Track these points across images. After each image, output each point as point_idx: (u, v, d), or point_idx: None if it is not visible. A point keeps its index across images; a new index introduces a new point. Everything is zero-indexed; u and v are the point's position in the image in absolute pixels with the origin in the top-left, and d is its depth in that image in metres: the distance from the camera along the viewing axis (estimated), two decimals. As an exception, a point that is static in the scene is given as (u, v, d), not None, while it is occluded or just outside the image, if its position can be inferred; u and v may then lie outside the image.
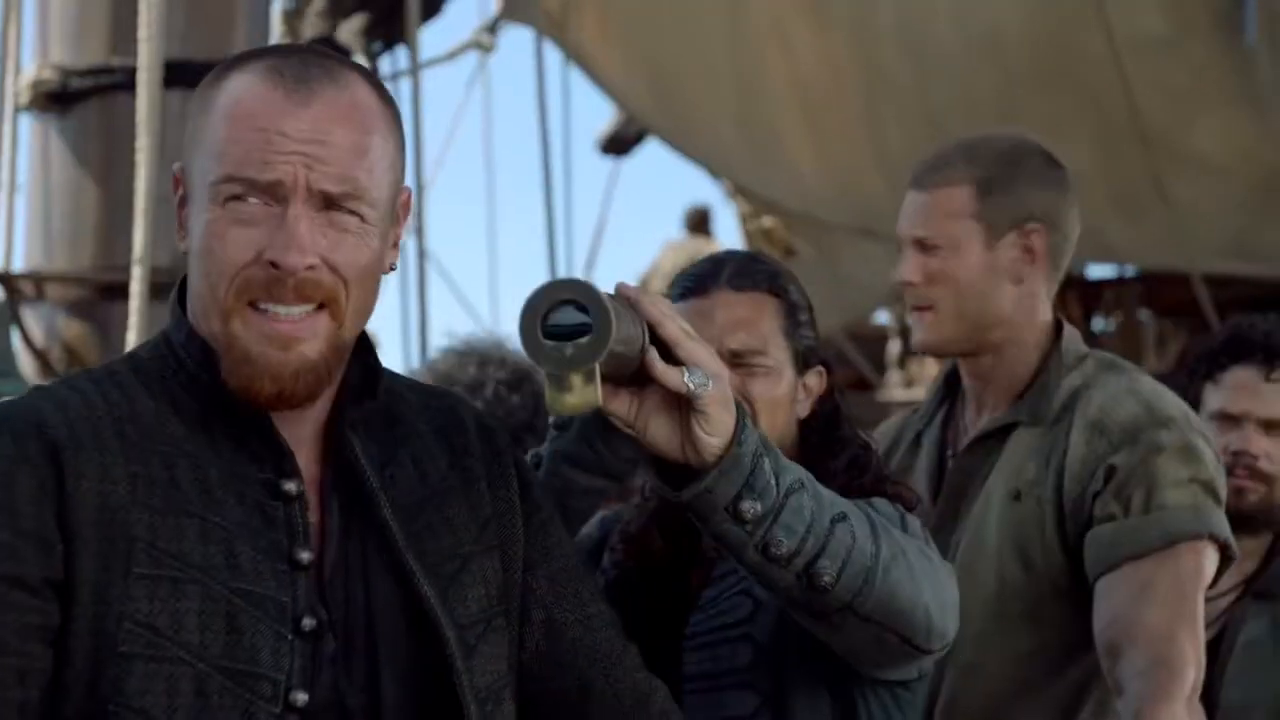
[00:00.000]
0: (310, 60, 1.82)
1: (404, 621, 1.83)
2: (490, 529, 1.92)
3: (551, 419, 2.38)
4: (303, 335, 1.78)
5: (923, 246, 2.81)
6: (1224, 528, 2.73)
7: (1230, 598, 3.25)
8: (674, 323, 1.85)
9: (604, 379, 1.80)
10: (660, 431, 1.87)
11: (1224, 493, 2.77)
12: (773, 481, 1.92)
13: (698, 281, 2.38)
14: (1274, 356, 3.28)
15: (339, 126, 1.79)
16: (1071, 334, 2.88)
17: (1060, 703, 2.79)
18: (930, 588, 2.10)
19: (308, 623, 1.78)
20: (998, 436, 2.83)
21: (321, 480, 1.85)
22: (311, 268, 1.77)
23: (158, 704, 1.72)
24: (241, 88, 1.80)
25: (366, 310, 1.84)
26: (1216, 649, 3.18)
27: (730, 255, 2.48)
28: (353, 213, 1.79)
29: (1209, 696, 2.96)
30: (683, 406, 1.86)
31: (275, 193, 1.77)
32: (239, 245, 1.78)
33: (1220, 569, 2.76)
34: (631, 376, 1.85)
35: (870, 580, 2.01)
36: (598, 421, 2.29)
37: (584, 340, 1.77)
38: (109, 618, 1.72)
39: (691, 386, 1.84)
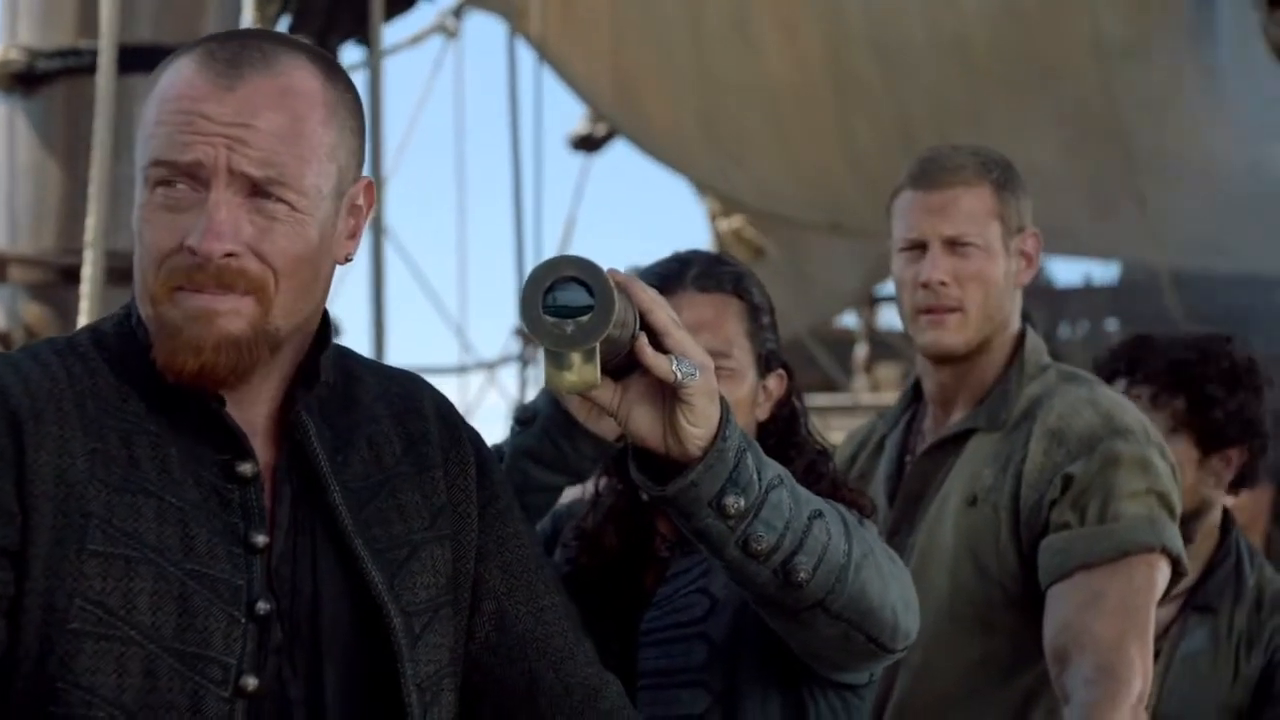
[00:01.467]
0: (250, 44, 1.79)
1: (350, 608, 1.81)
2: (444, 517, 1.90)
3: (515, 414, 2.36)
4: (222, 309, 1.75)
5: (953, 246, 2.79)
6: (1177, 541, 2.75)
7: (1170, 610, 3.24)
8: (664, 311, 1.84)
9: None
10: (643, 421, 1.85)
11: (1179, 506, 2.78)
12: (755, 477, 1.91)
13: (662, 281, 2.37)
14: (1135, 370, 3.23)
15: (267, 110, 1.76)
16: (1035, 343, 2.89)
17: (1009, 709, 2.80)
18: (896, 588, 2.10)
19: (262, 606, 1.77)
20: (955, 441, 2.84)
21: (274, 465, 1.83)
22: (232, 255, 1.74)
23: (106, 683, 1.70)
24: (175, 73, 1.78)
25: (306, 300, 1.81)
26: (1155, 661, 3.18)
27: (695, 255, 2.47)
28: (281, 200, 1.76)
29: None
30: (666, 397, 1.84)
31: (197, 175, 1.75)
32: (164, 231, 1.76)
33: (1171, 583, 2.77)
34: (615, 365, 1.84)
35: (843, 578, 2.01)
36: (561, 418, 2.30)
37: (585, 319, 1.75)
38: (60, 593, 1.71)
39: (679, 375, 1.82)
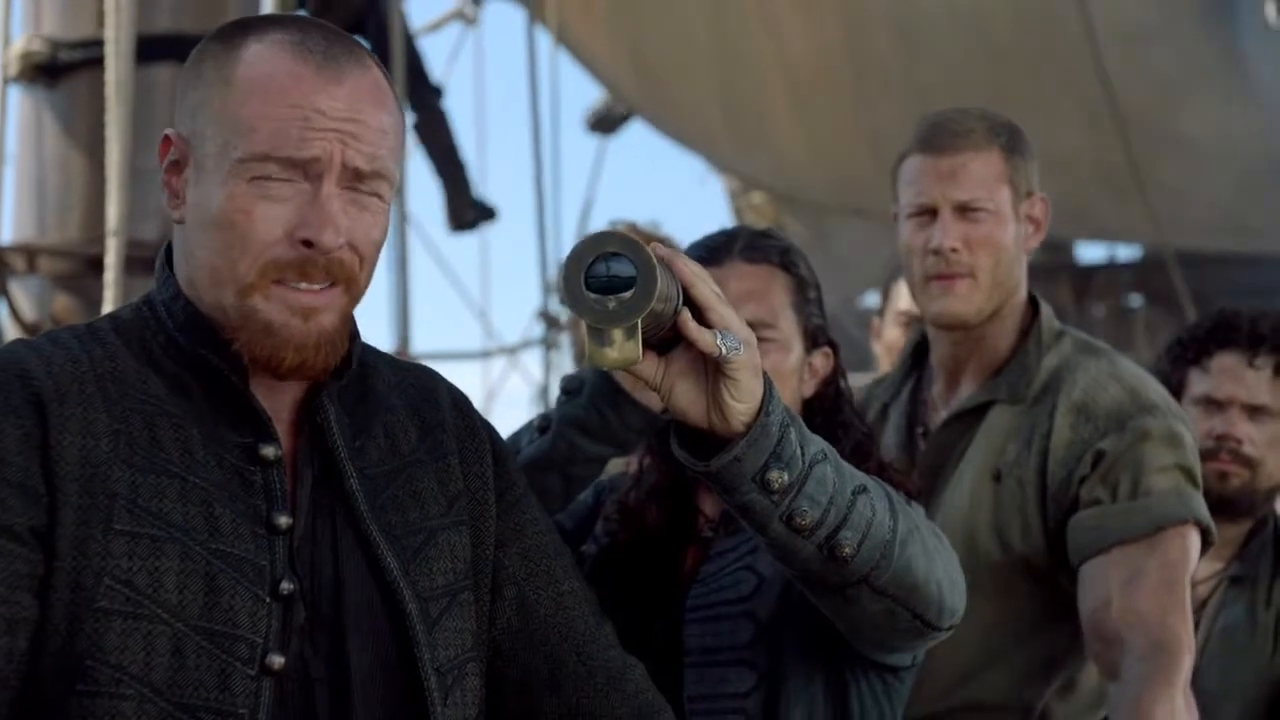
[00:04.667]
0: (331, 37, 1.82)
1: (370, 593, 1.83)
2: (460, 504, 1.92)
3: (562, 383, 2.37)
4: (323, 305, 1.79)
5: (964, 211, 2.76)
6: (1205, 512, 2.75)
7: (1209, 585, 3.27)
8: (707, 285, 1.83)
9: None
10: (686, 396, 1.85)
11: (1200, 478, 2.79)
12: (798, 451, 1.90)
13: (710, 252, 2.38)
14: (1258, 343, 3.30)
15: (369, 105, 1.79)
16: (1047, 310, 2.88)
17: (1029, 672, 2.81)
18: (941, 564, 2.10)
19: (286, 586, 1.79)
20: (974, 414, 2.83)
21: (295, 450, 1.85)
22: (341, 247, 1.78)
23: (135, 661, 1.73)
24: (267, 61, 1.79)
25: (369, 284, 1.85)
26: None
27: (743, 229, 2.48)
28: (373, 193, 1.81)
29: None
30: (709, 372, 1.84)
31: (309, 170, 1.77)
32: (267, 222, 1.77)
33: (1200, 552, 2.78)
34: (659, 340, 1.83)
35: (888, 554, 2.00)
36: (608, 389, 2.29)
37: (627, 295, 1.73)
38: (87, 572, 1.73)
39: (723, 350, 1.81)
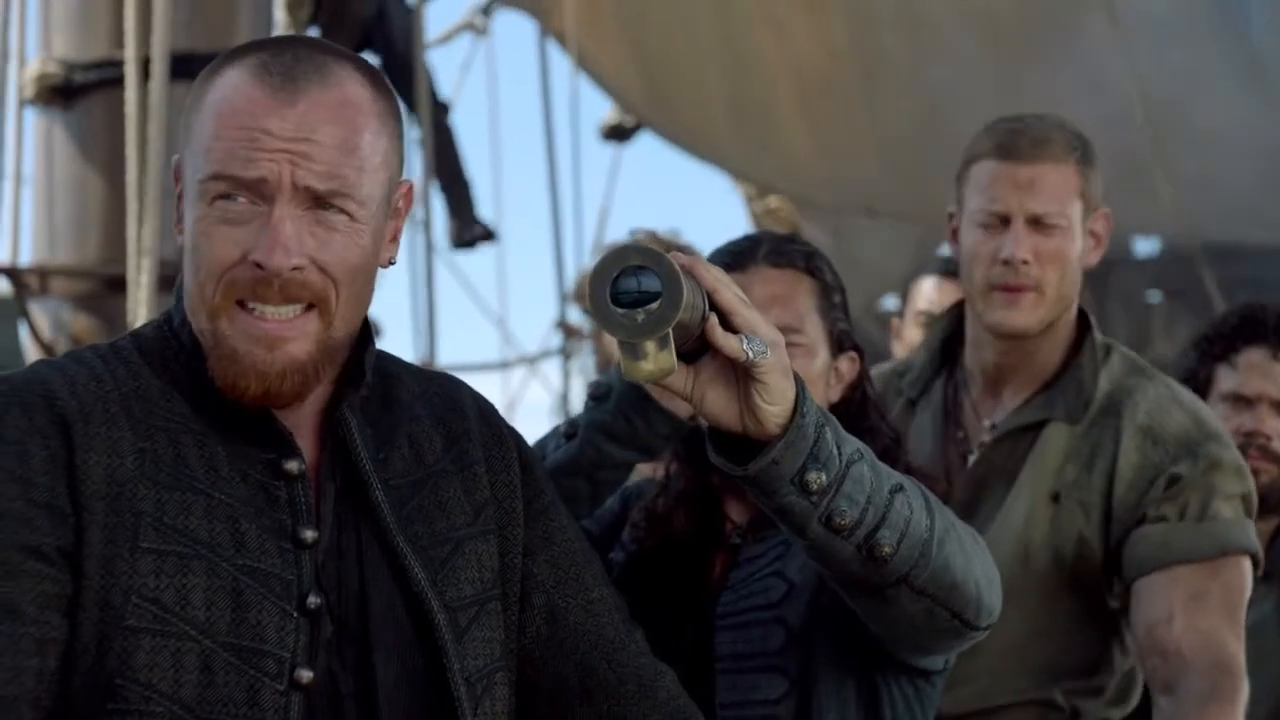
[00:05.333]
0: (302, 55, 1.81)
1: (397, 605, 1.84)
2: (487, 512, 1.92)
3: (589, 389, 2.37)
4: (290, 335, 1.78)
5: (1038, 224, 2.73)
6: (1259, 544, 2.79)
7: None
8: (731, 290, 1.83)
9: None
10: (717, 403, 1.85)
11: (1255, 509, 2.82)
12: (835, 451, 1.89)
13: (735, 257, 2.38)
14: None
15: (326, 124, 1.78)
16: (1094, 323, 2.86)
17: (1052, 674, 2.81)
18: (979, 563, 2.09)
19: (313, 600, 1.79)
20: (1027, 430, 2.80)
21: (318, 464, 1.85)
22: (297, 269, 1.77)
23: (164, 679, 1.73)
24: (230, 84, 1.80)
25: (360, 307, 1.84)
26: None
27: (768, 234, 2.49)
28: (341, 211, 1.79)
29: None
30: (739, 377, 1.84)
31: (260, 191, 1.77)
32: (225, 244, 1.78)
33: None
34: (686, 349, 1.83)
35: (926, 553, 1.99)
36: (635, 395, 2.29)
37: (654, 306, 1.73)
38: (115, 591, 1.74)
39: (751, 354, 1.81)
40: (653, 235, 4.66)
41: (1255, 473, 3.23)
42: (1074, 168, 2.76)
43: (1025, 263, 2.72)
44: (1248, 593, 2.76)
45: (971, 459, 2.84)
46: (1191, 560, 2.69)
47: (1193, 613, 2.67)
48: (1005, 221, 2.75)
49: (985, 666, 2.74)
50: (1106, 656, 2.83)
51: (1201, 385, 3.32)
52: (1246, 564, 2.76)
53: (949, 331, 2.93)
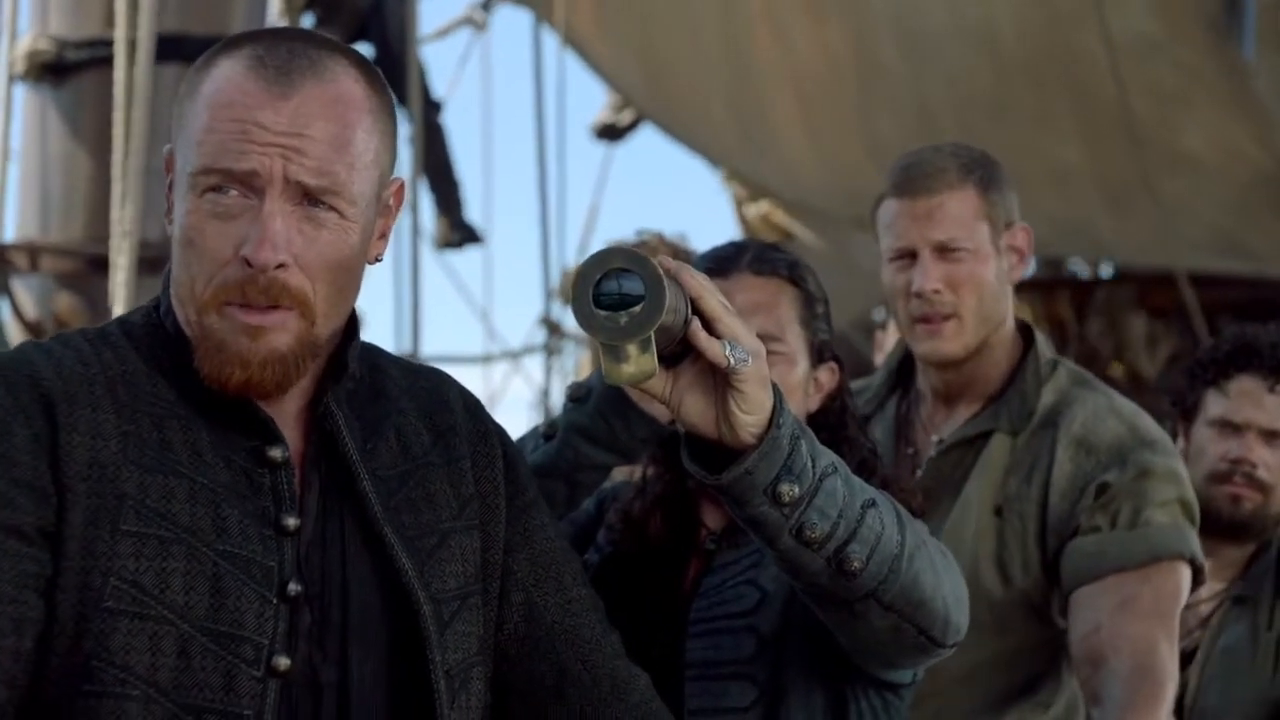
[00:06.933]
0: (297, 49, 1.80)
1: (379, 595, 1.84)
2: (471, 507, 1.92)
3: (568, 391, 2.37)
4: (271, 325, 1.78)
5: (944, 252, 2.78)
6: (1199, 550, 2.78)
7: (1211, 605, 3.28)
8: (715, 297, 1.83)
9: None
10: (695, 408, 1.84)
11: (1197, 515, 2.82)
12: (809, 464, 1.89)
13: (719, 263, 2.38)
14: (1279, 367, 3.30)
15: (319, 119, 1.78)
16: (1042, 339, 2.90)
17: (1002, 695, 2.82)
18: (948, 582, 2.09)
19: (293, 588, 1.79)
20: (972, 443, 2.84)
21: (303, 455, 1.85)
22: (282, 266, 1.77)
23: (141, 661, 1.73)
24: (224, 76, 1.79)
25: (344, 303, 1.84)
26: (1193, 655, 3.22)
27: (752, 241, 2.49)
28: (331, 208, 1.79)
29: (1179, 702, 3.01)
30: (718, 385, 1.84)
31: (251, 184, 1.77)
32: (218, 240, 1.78)
33: (1190, 590, 2.80)
34: (667, 353, 1.83)
35: (896, 568, 1.99)
36: (614, 398, 2.29)
37: (637, 309, 1.74)
38: (95, 572, 1.73)
39: (732, 360, 1.81)
40: (659, 238, 4.65)
41: (1239, 500, 3.24)
42: (973, 191, 2.80)
43: (936, 292, 2.77)
44: (1182, 599, 2.76)
45: (919, 473, 2.86)
46: (1124, 568, 2.71)
47: (1121, 619, 2.67)
48: (913, 255, 2.80)
49: (937, 687, 2.76)
50: (1055, 676, 2.84)
51: (1189, 409, 3.33)
52: (1182, 569, 2.75)
53: (906, 351, 2.97)
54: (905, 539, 2.00)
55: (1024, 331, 2.89)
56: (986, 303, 2.80)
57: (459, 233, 8.06)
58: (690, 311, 1.82)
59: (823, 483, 1.91)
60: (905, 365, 2.97)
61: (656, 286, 1.74)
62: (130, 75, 4.97)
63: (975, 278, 2.79)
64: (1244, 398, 3.29)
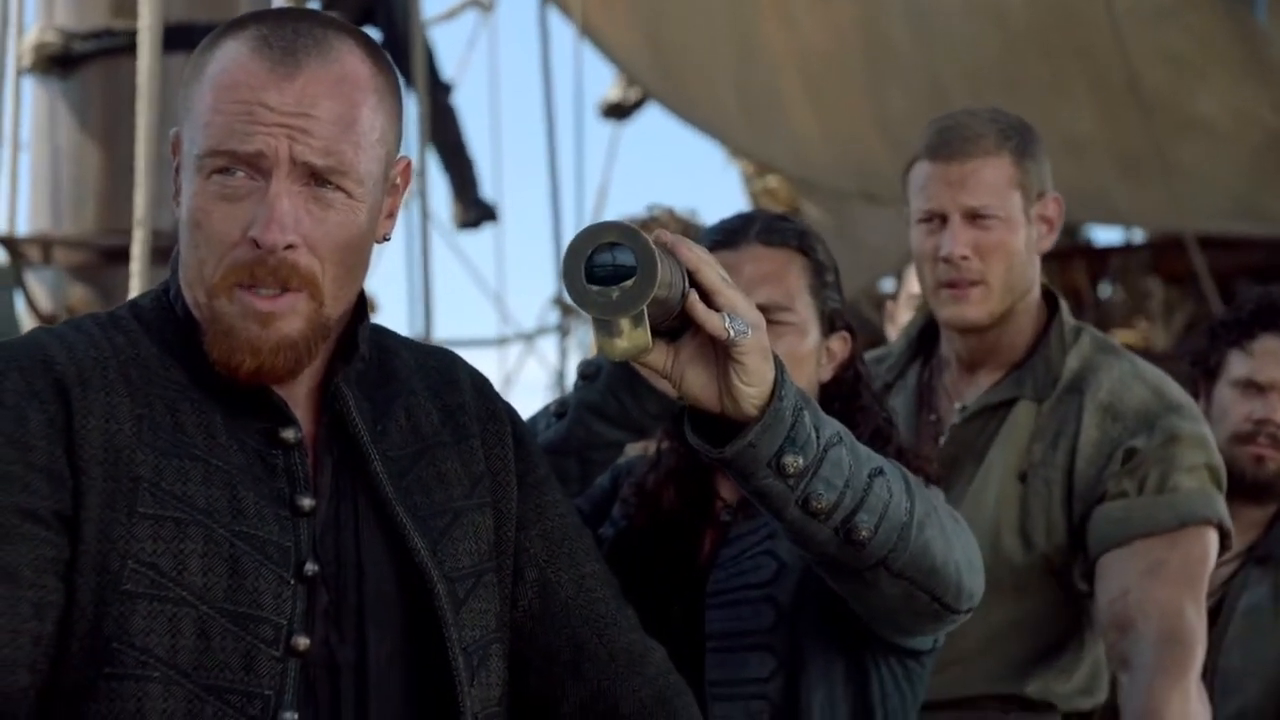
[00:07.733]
0: (302, 29, 1.80)
1: (394, 576, 1.84)
2: (483, 485, 1.92)
3: (579, 368, 2.37)
4: (282, 311, 1.78)
5: (974, 218, 2.77)
6: (1227, 515, 2.78)
7: (1232, 566, 3.27)
8: (713, 269, 1.82)
9: None
10: (696, 382, 1.84)
11: (1224, 479, 2.81)
12: (813, 434, 1.89)
13: (727, 235, 2.38)
14: None
15: (325, 99, 1.77)
16: (1065, 307, 2.89)
17: (1024, 660, 2.82)
18: (960, 547, 2.09)
19: (310, 568, 1.80)
20: (996, 409, 2.84)
21: (315, 437, 1.85)
22: (290, 246, 1.77)
23: (161, 643, 1.74)
24: (229, 57, 1.79)
25: (353, 284, 1.83)
26: (1216, 616, 3.21)
27: (760, 212, 2.49)
28: (339, 188, 1.79)
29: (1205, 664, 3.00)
30: (719, 357, 1.83)
31: (258, 165, 1.77)
32: (226, 222, 1.77)
33: (1218, 554, 2.80)
34: (667, 327, 1.83)
35: (905, 536, 1.99)
36: (625, 374, 2.28)
37: (629, 283, 1.72)
38: (112, 556, 1.74)
39: (732, 333, 1.80)
40: (669, 212, 4.63)
41: (1262, 460, 3.24)
42: (1009, 159, 2.79)
43: (965, 258, 2.76)
44: (1210, 563, 2.75)
45: (943, 440, 2.86)
46: (1151, 533, 2.71)
47: (1149, 584, 2.67)
48: (943, 219, 2.79)
49: (959, 654, 2.76)
50: (1077, 643, 2.84)
51: (1211, 369, 3.32)
52: (1210, 534, 2.75)
53: (928, 319, 2.96)
54: (914, 506, 2.00)
55: (1048, 298, 2.88)
56: (1014, 271, 2.79)
57: (475, 210, 8.05)
58: (688, 285, 1.81)
59: (827, 453, 1.91)
60: (927, 332, 2.96)
61: (649, 260, 1.73)
62: (153, 64, 4.97)
63: (1004, 246, 2.78)
64: (1268, 357, 3.29)
